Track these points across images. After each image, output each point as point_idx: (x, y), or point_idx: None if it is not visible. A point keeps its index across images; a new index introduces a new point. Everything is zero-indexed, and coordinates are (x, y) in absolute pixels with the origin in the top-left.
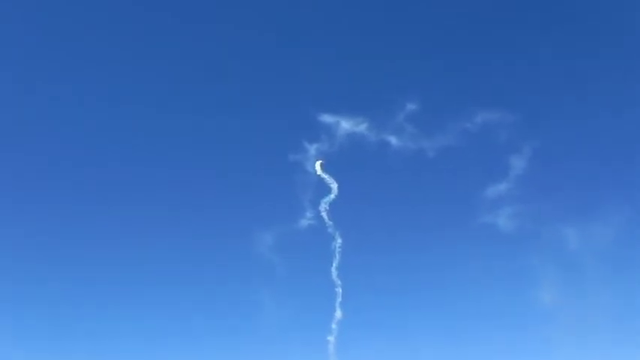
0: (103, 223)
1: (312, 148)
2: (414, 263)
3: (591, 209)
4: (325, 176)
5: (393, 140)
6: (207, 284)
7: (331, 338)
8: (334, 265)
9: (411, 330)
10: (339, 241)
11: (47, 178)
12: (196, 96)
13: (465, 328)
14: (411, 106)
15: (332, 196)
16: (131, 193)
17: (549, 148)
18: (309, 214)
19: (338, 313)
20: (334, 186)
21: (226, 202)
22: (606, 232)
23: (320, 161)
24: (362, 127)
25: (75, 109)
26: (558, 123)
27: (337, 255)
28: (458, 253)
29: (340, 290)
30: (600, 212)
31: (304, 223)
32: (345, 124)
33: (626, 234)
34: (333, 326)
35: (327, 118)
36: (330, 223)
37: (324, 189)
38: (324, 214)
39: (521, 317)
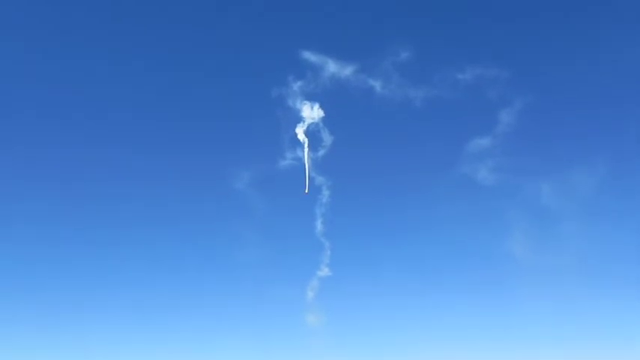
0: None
1: (296, 85)
2: (392, 206)
3: (574, 160)
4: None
5: (379, 86)
6: (185, 220)
7: (311, 293)
8: (319, 221)
9: (387, 270)
10: (327, 193)
11: None
12: (178, 31)
13: (437, 270)
14: (402, 54)
15: (322, 150)
16: (105, 130)
17: (540, 102)
18: (289, 153)
19: (324, 271)
20: (328, 139)
21: (205, 136)
22: (588, 182)
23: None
24: (349, 71)
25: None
26: (550, 78)
27: (323, 212)
28: (437, 201)
29: (329, 252)
30: (583, 162)
31: (285, 161)
32: (333, 66)
33: (607, 184)
34: (315, 282)
35: (314, 57)
36: (321, 178)
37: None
38: (306, 162)
39: (494, 264)
